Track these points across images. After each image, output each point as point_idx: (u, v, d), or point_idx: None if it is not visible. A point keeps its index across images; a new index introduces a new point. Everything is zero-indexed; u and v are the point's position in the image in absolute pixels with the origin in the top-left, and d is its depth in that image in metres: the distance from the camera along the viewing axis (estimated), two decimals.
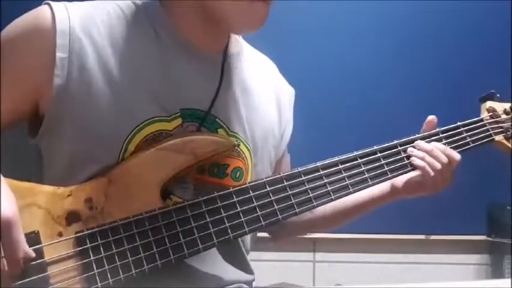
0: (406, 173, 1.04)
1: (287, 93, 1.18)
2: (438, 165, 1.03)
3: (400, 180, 1.10)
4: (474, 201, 2.20)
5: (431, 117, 1.10)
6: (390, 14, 2.33)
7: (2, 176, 0.79)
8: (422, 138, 1.07)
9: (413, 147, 1.05)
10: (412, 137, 1.07)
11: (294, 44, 2.28)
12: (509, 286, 0.70)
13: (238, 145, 0.96)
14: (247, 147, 1.02)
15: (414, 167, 1.03)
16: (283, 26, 2.15)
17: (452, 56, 2.30)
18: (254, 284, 1.05)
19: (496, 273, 2.17)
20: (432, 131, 1.09)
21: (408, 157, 1.04)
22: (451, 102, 2.20)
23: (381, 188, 1.12)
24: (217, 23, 0.96)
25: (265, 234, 1.14)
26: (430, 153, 1.03)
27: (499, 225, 2.17)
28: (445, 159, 1.04)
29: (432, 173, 1.03)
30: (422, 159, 1.03)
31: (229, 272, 0.99)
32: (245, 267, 1.03)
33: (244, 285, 1.01)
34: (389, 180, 1.07)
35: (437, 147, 1.05)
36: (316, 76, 2.27)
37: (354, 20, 2.33)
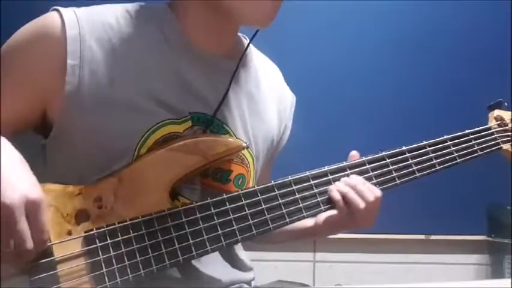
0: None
1: (288, 100, 1.18)
2: (351, 196, 0.96)
3: (322, 217, 1.05)
4: (474, 201, 2.19)
5: (354, 153, 1.03)
6: (390, 15, 2.32)
7: (24, 160, 0.79)
8: (431, 145, 1.06)
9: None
10: (419, 144, 1.06)
11: (294, 44, 2.28)
12: (509, 286, 0.70)
13: (248, 147, 0.96)
14: (251, 154, 1.02)
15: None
16: (282, 26, 2.14)
17: (454, 58, 2.30)
18: (253, 283, 1.06)
19: (496, 273, 2.17)
20: (440, 138, 1.07)
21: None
22: (451, 101, 2.21)
23: (310, 221, 1.08)
24: (226, 19, 0.95)
25: None
26: (350, 185, 0.97)
27: (499, 225, 2.17)
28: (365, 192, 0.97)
29: (345, 209, 0.96)
30: (338, 192, 0.96)
31: (231, 272, 0.99)
32: (245, 268, 1.04)
33: (245, 285, 1.01)
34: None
35: (357, 180, 0.98)
36: (315, 77, 2.27)
37: (354, 22, 2.33)
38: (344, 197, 0.96)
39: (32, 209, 0.73)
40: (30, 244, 0.73)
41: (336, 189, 0.96)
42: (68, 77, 0.86)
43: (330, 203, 0.96)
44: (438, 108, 2.21)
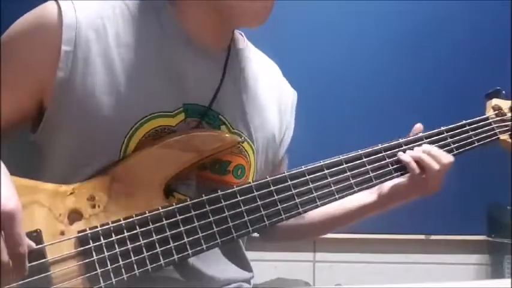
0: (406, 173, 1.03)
1: (289, 96, 1.17)
2: (426, 159, 1.01)
3: (387, 186, 1.07)
4: (474, 201, 2.19)
5: (418, 126, 1.09)
6: (390, 15, 2.32)
7: (5, 169, 0.77)
8: (428, 137, 1.06)
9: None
10: (416, 136, 1.06)
11: (294, 44, 2.27)
12: (509, 286, 0.70)
13: (243, 142, 0.96)
14: (250, 145, 1.01)
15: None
16: (282, 26, 2.14)
17: (454, 58, 2.30)
18: (252, 282, 1.05)
19: (496, 273, 2.17)
20: (436, 130, 1.07)
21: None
22: (452, 101, 2.21)
23: (371, 196, 1.10)
24: (221, 17, 0.96)
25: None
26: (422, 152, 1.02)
27: (499, 225, 2.16)
28: (432, 157, 1.02)
29: (417, 170, 1.01)
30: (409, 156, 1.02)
31: (230, 270, 0.99)
32: (244, 264, 1.03)
33: (245, 284, 1.01)
34: (376, 189, 1.07)
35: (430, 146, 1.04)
36: (315, 76, 2.26)
37: (354, 22, 2.33)
38: (419, 160, 1.01)
39: (7, 220, 0.69)
40: (4, 257, 0.69)
41: (406, 154, 1.01)
42: (61, 63, 0.86)
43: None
44: (438, 108, 2.20)
